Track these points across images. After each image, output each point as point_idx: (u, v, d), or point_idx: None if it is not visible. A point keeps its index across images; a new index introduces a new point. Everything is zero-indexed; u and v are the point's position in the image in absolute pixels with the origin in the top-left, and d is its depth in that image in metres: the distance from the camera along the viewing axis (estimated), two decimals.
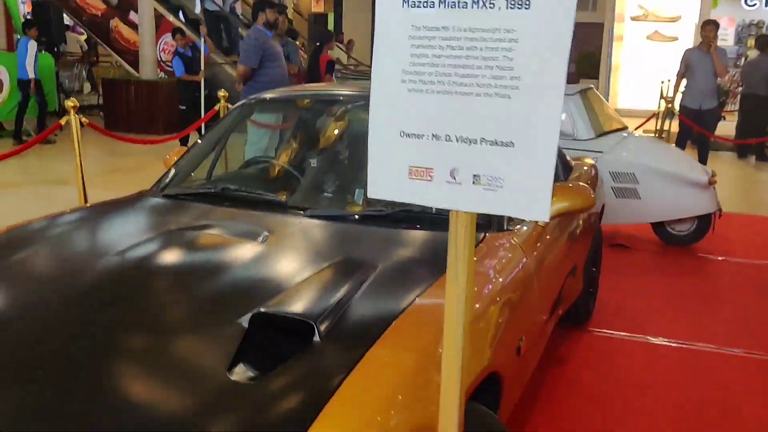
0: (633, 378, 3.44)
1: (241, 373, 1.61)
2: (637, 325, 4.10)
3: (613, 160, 5.44)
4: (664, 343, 3.89)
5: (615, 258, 5.56)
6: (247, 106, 3.41)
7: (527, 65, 0.90)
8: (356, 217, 2.55)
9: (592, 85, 6.13)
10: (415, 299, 1.90)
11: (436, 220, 2.46)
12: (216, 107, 5.98)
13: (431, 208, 2.51)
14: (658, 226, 5.83)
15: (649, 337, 3.94)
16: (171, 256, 2.27)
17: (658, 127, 8.75)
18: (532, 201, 0.96)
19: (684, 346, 3.85)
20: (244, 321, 1.77)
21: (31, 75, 9.70)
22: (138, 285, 2.04)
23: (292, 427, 1.46)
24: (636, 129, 8.21)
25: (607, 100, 9.58)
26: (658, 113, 8.95)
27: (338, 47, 14.77)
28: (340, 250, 2.26)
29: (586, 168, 4.03)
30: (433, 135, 0.99)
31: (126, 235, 2.40)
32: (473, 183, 0.99)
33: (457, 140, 0.98)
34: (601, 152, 5.45)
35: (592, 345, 3.83)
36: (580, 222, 3.38)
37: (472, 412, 1.84)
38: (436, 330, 1.81)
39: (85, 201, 4.73)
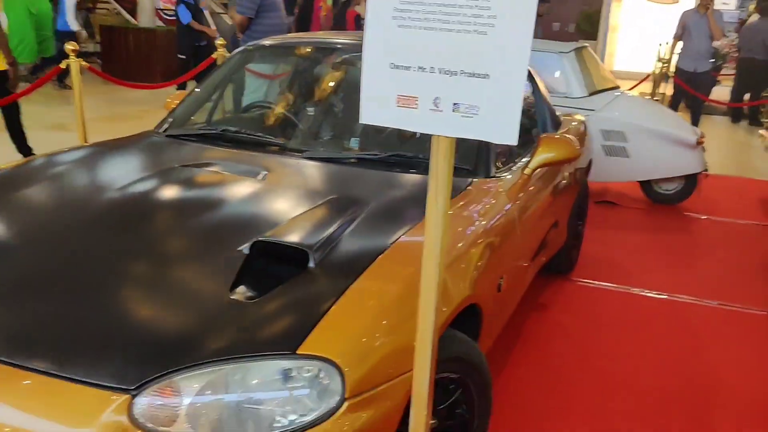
0: (612, 324, 3.62)
1: (240, 293, 1.76)
2: (620, 276, 4.28)
3: (604, 119, 5.55)
4: (645, 293, 4.06)
5: (603, 214, 5.73)
6: (246, 52, 3.50)
7: (502, 5, 1.02)
8: (351, 160, 2.68)
9: (588, 44, 6.19)
10: (401, 236, 2.05)
11: (425, 163, 2.60)
12: (214, 55, 6.03)
13: (421, 153, 2.65)
14: (646, 185, 5.98)
15: (630, 288, 4.11)
16: (174, 191, 2.41)
17: (654, 90, 8.83)
18: (503, 126, 1.09)
19: (663, 297, 4.02)
20: (245, 248, 1.91)
21: (75, 27, 9.62)
22: (142, 215, 2.18)
23: (284, 345, 1.61)
24: (630, 90, 8.30)
25: (603, 61, 9.61)
26: (654, 75, 9.01)
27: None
28: (335, 189, 2.39)
29: (575, 123, 4.15)
30: (419, 67, 1.12)
31: (129, 171, 2.52)
32: (453, 111, 1.13)
33: (440, 72, 1.11)
34: (593, 110, 5.55)
35: (575, 293, 4.01)
36: (566, 175, 3.51)
37: (452, 338, 2.01)
38: (417, 266, 1.96)
39: None
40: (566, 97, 5.62)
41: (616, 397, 2.91)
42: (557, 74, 5.75)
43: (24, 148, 5.64)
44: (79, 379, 1.57)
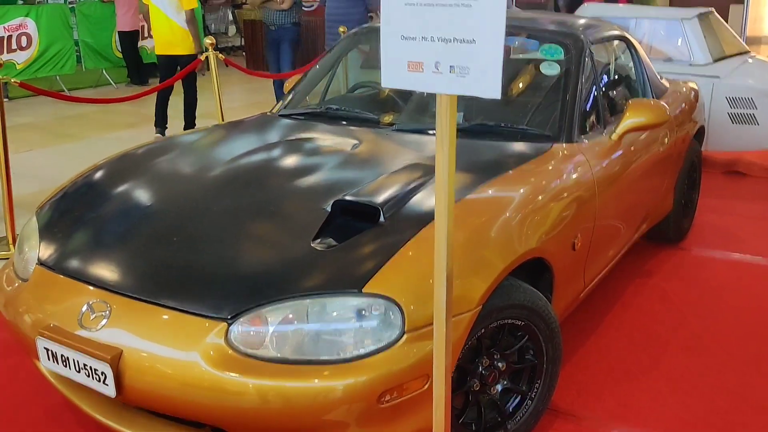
0: (718, 291, 3.58)
1: (320, 243, 2.06)
2: (737, 245, 4.17)
3: (729, 85, 5.35)
4: (761, 262, 3.95)
5: (731, 184, 5.54)
6: (356, 35, 3.78)
7: None
8: (433, 130, 2.90)
9: (713, 9, 5.95)
10: (469, 194, 2.25)
11: (501, 131, 2.79)
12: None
13: (500, 122, 2.83)
14: None
15: (746, 256, 4.00)
16: (277, 160, 2.77)
17: None
18: (488, 83, 1.31)
19: None
20: (327, 207, 2.21)
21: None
22: (247, 180, 2.55)
23: (352, 284, 1.89)
24: None
25: (746, 26, 9.05)
26: None
27: None
28: (415, 156, 2.63)
29: (684, 90, 4.10)
30: (422, 37, 1.37)
31: (242, 145, 2.91)
32: (450, 72, 1.36)
33: (438, 40, 1.35)
34: (718, 77, 5.37)
35: (683, 261, 3.98)
36: (666, 141, 3.52)
37: (515, 287, 2.20)
38: (487, 217, 2.17)
39: None
40: (690, 64, 5.48)
41: (703, 358, 2.94)
42: (679, 42, 5.61)
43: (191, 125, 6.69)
44: (188, 310, 1.93)
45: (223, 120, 5.54)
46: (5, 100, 4.11)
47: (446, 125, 1.40)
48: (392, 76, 1.44)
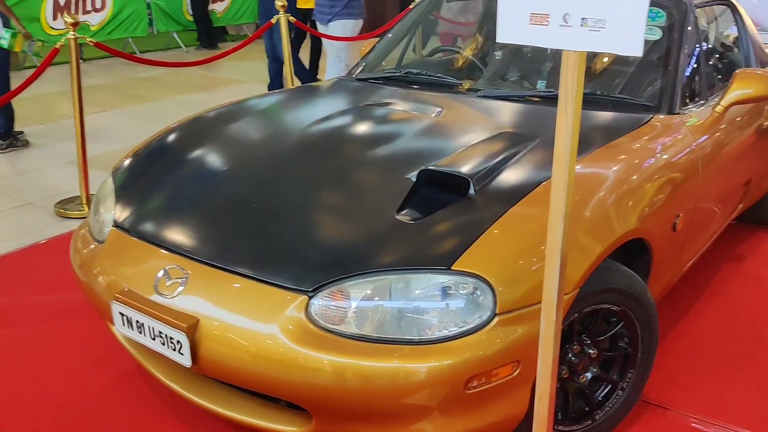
0: None
1: (405, 215, 1.93)
2: None
3: None
4: None
5: None
6: None
7: None
8: (523, 97, 2.73)
9: None
10: None
11: (595, 99, 2.60)
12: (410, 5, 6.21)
13: (594, 90, 2.63)
14: None
15: None
16: (357, 126, 2.64)
17: None
18: (629, 39, 1.13)
19: None
20: (412, 176, 2.07)
21: None
22: (327, 147, 2.43)
23: (440, 261, 1.76)
24: None
25: None
26: None
27: None
28: (504, 125, 2.47)
29: None
30: None
31: (320, 110, 2.79)
32: (581, 25, 1.18)
33: None
34: None
35: None
36: None
37: (612, 269, 2.04)
38: (583, 194, 2.00)
39: None
40: None
41: None
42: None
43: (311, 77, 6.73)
44: (267, 280, 1.84)
45: (292, 83, 5.46)
46: (80, 61, 4.11)
47: (572, 88, 1.24)
48: (510, 30, 1.28)
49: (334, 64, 5.87)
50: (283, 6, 5.25)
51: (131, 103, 7.14)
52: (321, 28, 5.94)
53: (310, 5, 6.50)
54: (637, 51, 1.13)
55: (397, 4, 10.06)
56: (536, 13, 1.22)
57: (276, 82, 6.87)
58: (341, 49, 5.81)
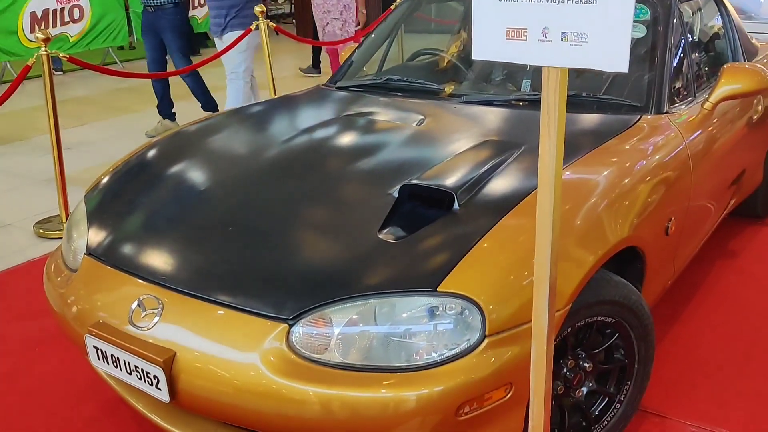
0: None
1: (388, 234, 1.85)
2: None
3: None
4: None
5: None
6: (414, 0, 3.53)
7: None
8: (505, 102, 2.66)
9: None
10: None
11: (579, 101, 2.52)
12: (392, 6, 6.12)
13: (579, 92, 2.56)
14: None
15: None
16: (338, 139, 2.55)
17: None
18: (613, 54, 1.05)
19: None
20: (395, 192, 1.99)
21: None
22: (305, 163, 2.34)
23: (425, 282, 1.68)
24: None
25: None
26: None
27: None
28: (488, 132, 2.39)
29: None
30: None
31: (299, 122, 2.71)
32: (562, 40, 1.10)
33: (547, 1, 1.08)
34: None
35: None
36: (759, 108, 3.18)
37: (606, 280, 1.96)
38: (572, 203, 1.93)
39: None
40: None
41: None
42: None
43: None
44: (245, 309, 1.75)
45: (274, 88, 5.36)
46: (59, 73, 4.02)
47: (554, 106, 1.16)
48: (486, 47, 1.19)
49: (232, 81, 5.45)
50: (261, 12, 5.15)
51: (113, 115, 7.03)
52: (216, 43, 5.54)
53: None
54: (622, 67, 1.05)
55: (379, 6, 9.97)
56: (513, 28, 1.14)
57: (165, 102, 6.13)
58: (238, 64, 5.36)
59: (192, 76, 5.94)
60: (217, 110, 5.98)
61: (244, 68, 5.38)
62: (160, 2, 5.71)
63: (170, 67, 6.00)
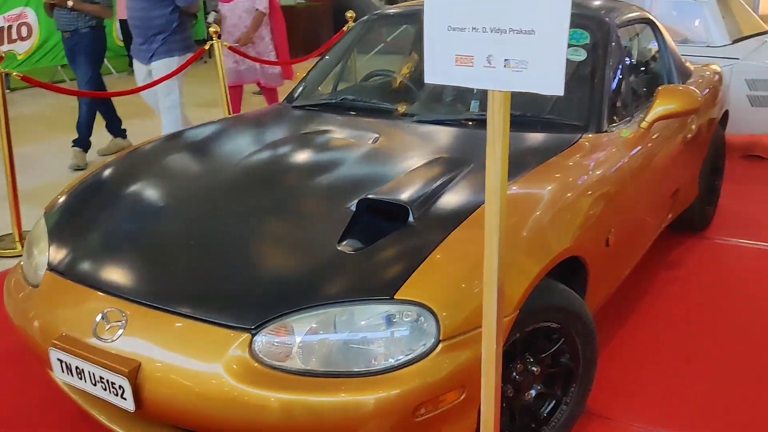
0: (747, 281, 3.46)
1: (346, 246, 1.94)
2: (761, 233, 4.04)
3: (749, 67, 5.20)
4: None
5: (750, 169, 5.41)
6: (368, 21, 3.64)
7: None
8: (456, 121, 2.79)
9: None
10: None
11: (525, 121, 2.66)
12: (344, 27, 6.23)
13: (524, 112, 2.70)
14: None
15: None
16: (295, 155, 2.64)
17: None
18: (551, 78, 1.18)
19: None
20: (352, 206, 2.09)
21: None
22: (268, 178, 2.43)
23: (383, 291, 1.77)
24: None
25: (757, 4, 8.87)
26: None
27: None
28: (440, 150, 2.51)
29: (707, 73, 3.96)
30: (472, 28, 1.23)
31: (259, 140, 2.79)
32: (504, 66, 1.22)
33: (491, 31, 1.22)
34: (737, 59, 5.22)
35: (709, 251, 3.86)
36: (694, 128, 3.39)
37: (551, 288, 2.09)
38: (518, 216, 2.05)
39: None
40: (707, 46, 5.33)
41: (742, 356, 2.82)
42: (696, 22, 5.45)
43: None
44: (208, 320, 1.82)
45: (228, 108, 5.41)
46: (7, 91, 4.00)
47: (499, 126, 1.27)
48: (437, 72, 1.31)
49: (170, 110, 5.09)
50: (215, 32, 5.19)
51: (64, 133, 6.95)
52: (139, 69, 5.22)
53: None
54: (558, 90, 1.18)
55: (331, 27, 10.12)
56: (461, 55, 1.26)
57: (113, 120, 5.97)
58: (173, 92, 5.05)
59: (90, 107, 5.67)
60: (89, 146, 5.78)
61: (178, 95, 5.11)
62: (76, 26, 5.43)
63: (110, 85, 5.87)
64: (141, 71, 5.23)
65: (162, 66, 5.00)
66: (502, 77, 1.23)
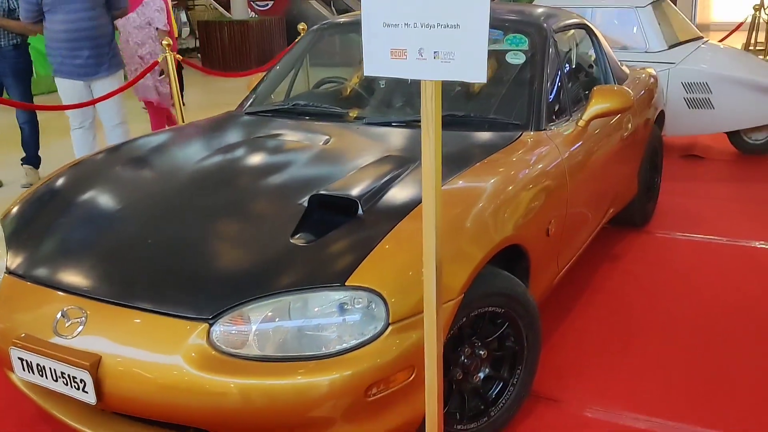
0: (686, 272, 3.65)
1: (299, 238, 2.04)
2: (699, 226, 4.27)
3: (685, 71, 5.46)
4: (723, 242, 4.04)
5: (689, 167, 5.67)
6: (318, 30, 3.75)
7: None
8: (403, 122, 2.92)
9: None
10: (445, 184, 2.25)
11: (470, 121, 2.80)
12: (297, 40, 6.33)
13: (468, 113, 2.84)
14: (735, 136, 5.84)
15: (709, 237, 4.10)
16: (249, 157, 2.74)
17: (749, 38, 8.47)
18: (474, 67, 1.31)
19: (742, 244, 3.99)
20: (304, 202, 2.19)
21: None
22: (222, 179, 2.52)
23: (334, 278, 1.87)
24: (722, 40, 8.01)
25: (696, 14, 9.27)
26: (753, 24, 8.63)
27: None
28: (388, 149, 2.63)
29: (643, 76, 4.17)
30: (405, 24, 1.37)
31: (213, 144, 2.86)
32: (434, 58, 1.36)
33: (422, 26, 1.35)
34: (673, 63, 5.48)
35: (650, 244, 4.06)
36: (630, 127, 3.57)
37: (494, 274, 2.21)
38: (463, 207, 2.18)
39: None
40: (646, 52, 5.58)
41: (677, 338, 2.99)
42: (634, 30, 5.70)
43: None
44: (167, 312, 1.89)
45: (183, 119, 5.45)
46: None
47: (431, 112, 1.40)
48: (375, 65, 1.43)
49: (117, 128, 4.94)
50: (168, 45, 5.24)
51: (13, 150, 6.89)
52: (75, 86, 4.80)
53: None
54: (481, 78, 1.31)
55: (284, 40, 10.24)
56: (396, 49, 1.39)
57: (32, 148, 5.69)
58: (119, 110, 4.94)
59: (31, 124, 5.57)
60: (39, 166, 5.68)
61: (124, 113, 4.99)
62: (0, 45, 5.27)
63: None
64: (74, 89, 4.82)
65: (113, 80, 4.87)
66: (433, 68, 1.35)
